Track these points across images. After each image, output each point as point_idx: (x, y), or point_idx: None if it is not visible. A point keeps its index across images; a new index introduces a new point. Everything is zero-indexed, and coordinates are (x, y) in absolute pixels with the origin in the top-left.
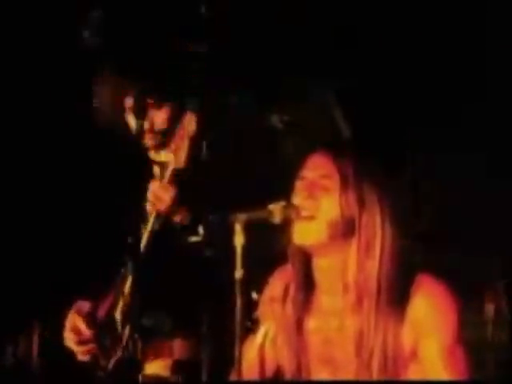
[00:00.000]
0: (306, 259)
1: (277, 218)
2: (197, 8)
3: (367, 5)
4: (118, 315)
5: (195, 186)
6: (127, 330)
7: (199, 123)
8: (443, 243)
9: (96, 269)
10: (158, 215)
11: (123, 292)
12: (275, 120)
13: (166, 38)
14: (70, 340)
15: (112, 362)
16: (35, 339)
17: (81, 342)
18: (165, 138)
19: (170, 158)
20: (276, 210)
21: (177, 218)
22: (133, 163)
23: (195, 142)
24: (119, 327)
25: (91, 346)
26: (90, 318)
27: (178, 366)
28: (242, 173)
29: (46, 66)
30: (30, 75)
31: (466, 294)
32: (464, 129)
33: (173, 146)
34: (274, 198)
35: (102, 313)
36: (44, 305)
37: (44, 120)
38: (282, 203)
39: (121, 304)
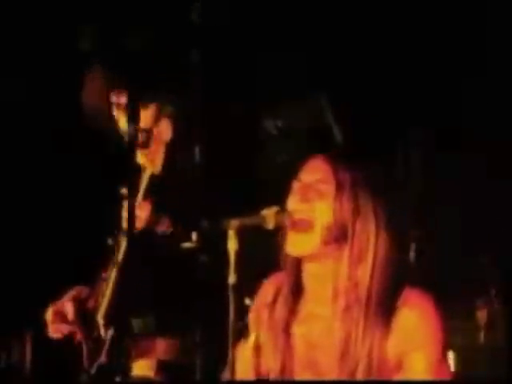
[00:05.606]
0: (297, 263)
1: (270, 224)
2: (189, 15)
3: (360, 6)
4: (100, 319)
5: (179, 192)
6: (110, 334)
7: (175, 130)
8: (437, 245)
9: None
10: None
11: (105, 295)
12: (269, 125)
13: (158, 40)
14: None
15: (95, 366)
16: (28, 344)
17: (62, 322)
18: (145, 140)
19: (146, 162)
20: (269, 216)
21: (160, 228)
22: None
23: (172, 149)
24: (102, 331)
25: (69, 327)
26: (79, 305)
27: (161, 367)
28: (235, 178)
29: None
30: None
31: (459, 299)
32: (463, 131)
33: (149, 150)
34: (267, 204)
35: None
36: (37, 310)
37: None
38: (275, 209)
39: (103, 308)
